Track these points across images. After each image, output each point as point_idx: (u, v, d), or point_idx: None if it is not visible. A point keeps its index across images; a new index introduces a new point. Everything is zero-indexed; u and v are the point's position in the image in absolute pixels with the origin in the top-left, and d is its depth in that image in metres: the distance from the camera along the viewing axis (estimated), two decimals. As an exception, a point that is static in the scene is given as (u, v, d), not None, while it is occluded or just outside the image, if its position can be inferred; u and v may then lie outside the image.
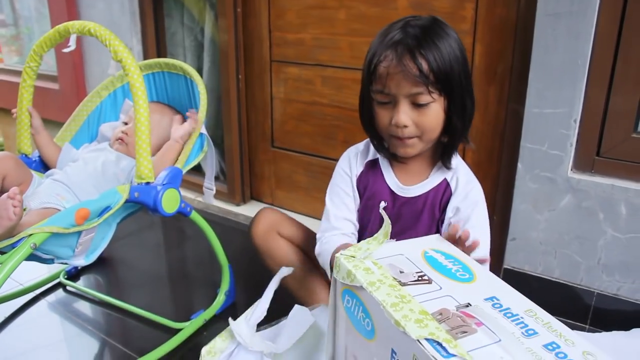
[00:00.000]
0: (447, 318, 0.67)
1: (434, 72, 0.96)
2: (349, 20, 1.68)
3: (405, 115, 0.99)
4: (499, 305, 0.70)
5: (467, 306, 0.69)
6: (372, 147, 1.15)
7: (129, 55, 1.22)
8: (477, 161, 1.58)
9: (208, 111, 2.10)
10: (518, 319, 0.67)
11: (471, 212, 1.10)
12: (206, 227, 1.43)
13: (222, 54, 1.91)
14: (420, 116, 1.00)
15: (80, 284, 1.61)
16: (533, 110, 1.39)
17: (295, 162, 1.97)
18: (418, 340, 0.62)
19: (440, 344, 0.61)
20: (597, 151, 1.39)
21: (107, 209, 1.19)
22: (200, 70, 2.10)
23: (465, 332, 0.64)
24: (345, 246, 1.03)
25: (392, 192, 1.13)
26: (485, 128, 1.54)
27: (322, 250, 1.13)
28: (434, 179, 1.12)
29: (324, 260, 1.12)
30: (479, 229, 1.08)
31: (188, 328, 1.39)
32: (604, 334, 1.37)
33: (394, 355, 0.68)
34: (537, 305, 0.71)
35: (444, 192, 1.12)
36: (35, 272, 1.61)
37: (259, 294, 1.56)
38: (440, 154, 1.11)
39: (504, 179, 1.51)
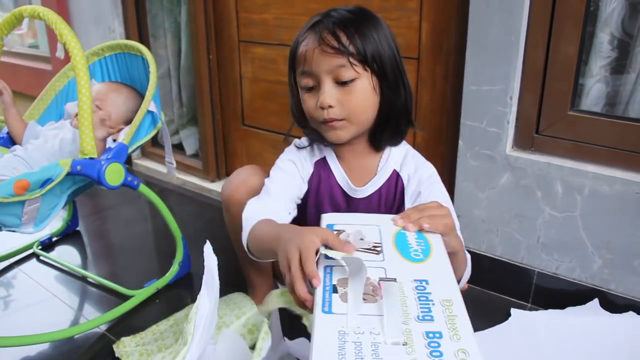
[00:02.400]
0: (369, 293, 0.70)
1: (354, 44, 0.93)
2: (307, 0, 1.71)
3: (329, 94, 0.95)
4: (421, 288, 0.72)
5: (391, 280, 0.72)
6: (316, 145, 1.11)
7: (72, 38, 1.29)
8: (427, 139, 1.59)
9: (189, 91, 2.19)
10: (427, 304, 0.69)
11: (430, 191, 1.05)
12: (157, 200, 1.49)
13: (193, 35, 1.97)
14: (346, 94, 0.95)
15: (52, 255, 1.72)
16: (471, 87, 1.39)
17: (264, 140, 2.02)
18: (318, 292, 0.69)
19: (329, 300, 0.68)
20: (535, 129, 1.39)
21: (48, 180, 1.27)
22: (179, 52, 2.17)
23: (365, 299, 0.68)
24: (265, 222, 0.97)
25: (344, 193, 1.10)
26: (433, 106, 1.55)
27: (248, 219, 1.01)
28: (384, 173, 1.08)
29: (245, 227, 1.01)
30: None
31: (139, 295, 1.47)
32: (540, 312, 1.38)
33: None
34: (461, 300, 0.70)
35: (396, 185, 1.08)
36: (11, 243, 1.73)
37: (219, 267, 1.64)
38: (374, 139, 1.06)
39: (448, 157, 1.52)
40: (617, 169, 1.29)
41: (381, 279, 0.72)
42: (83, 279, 1.59)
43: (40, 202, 1.30)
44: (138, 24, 2.21)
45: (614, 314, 1.28)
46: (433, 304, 0.68)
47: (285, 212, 1.05)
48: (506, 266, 1.47)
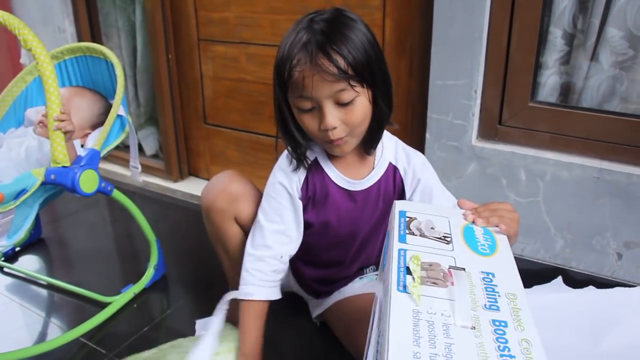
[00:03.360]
0: (432, 269, 0.75)
1: (351, 65, 0.91)
2: (269, -3, 1.73)
3: (332, 117, 0.94)
4: (488, 280, 0.75)
5: (460, 269, 0.76)
6: (301, 152, 1.08)
7: (38, 44, 1.25)
8: (393, 133, 1.64)
9: (146, 91, 2.16)
10: (494, 295, 0.72)
11: (429, 177, 1.11)
12: (130, 205, 1.48)
13: (152, 34, 1.95)
14: (348, 114, 0.95)
15: (17, 265, 1.67)
16: (437, 82, 1.46)
17: (227, 138, 2.02)
18: (392, 271, 0.73)
19: (404, 282, 0.72)
20: (498, 120, 1.47)
21: (22, 191, 1.24)
22: (134, 50, 2.14)
23: (436, 284, 0.72)
24: (259, 307, 1.10)
25: (343, 190, 1.10)
26: (398, 101, 1.60)
27: (245, 284, 1.10)
28: (381, 166, 1.10)
29: (241, 291, 1.10)
30: (443, 192, 1.13)
31: (118, 301, 1.46)
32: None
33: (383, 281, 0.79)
34: (525, 295, 0.74)
35: (394, 178, 1.11)
36: (-29, 255, 1.67)
37: (190, 267, 1.65)
38: (365, 143, 1.06)
39: (416, 149, 1.58)
40: (575, 155, 1.39)
41: (451, 267, 0.76)
42: (54, 288, 1.55)
43: (14, 214, 1.27)
44: (90, 23, 2.15)
45: (576, 289, 1.38)
46: (499, 296, 0.72)
47: (282, 250, 1.12)
48: (474, 250, 1.55)
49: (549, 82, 1.43)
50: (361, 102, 0.95)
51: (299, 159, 1.06)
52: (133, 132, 1.49)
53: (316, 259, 1.22)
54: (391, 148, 1.12)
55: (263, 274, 1.10)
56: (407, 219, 0.86)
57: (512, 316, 0.70)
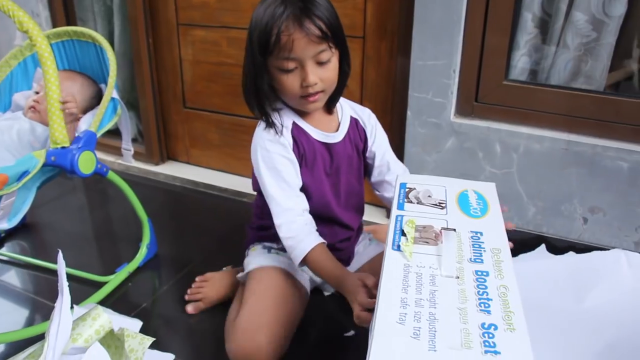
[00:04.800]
0: (425, 231, 0.85)
1: (329, 28, 1.05)
2: (250, -18, 1.77)
3: (313, 74, 1.08)
4: (476, 238, 0.85)
5: (451, 230, 0.86)
6: (279, 120, 1.17)
7: (34, 26, 1.26)
8: (374, 110, 1.72)
9: (123, 75, 2.16)
10: (480, 250, 0.82)
11: (382, 136, 1.29)
12: (124, 186, 1.51)
13: (132, 18, 1.95)
14: (325, 72, 1.09)
15: (5, 250, 1.67)
16: (417, 62, 1.55)
17: (207, 121, 2.06)
18: (388, 235, 0.83)
19: (398, 242, 0.81)
20: (475, 97, 1.57)
21: (25, 173, 1.26)
22: (111, 35, 2.13)
23: (427, 242, 0.82)
24: (317, 251, 1.11)
25: (324, 144, 1.21)
26: (379, 80, 1.69)
27: (292, 248, 1.14)
28: (345, 119, 1.25)
29: (295, 257, 1.14)
30: (388, 149, 1.30)
31: (113, 281, 1.49)
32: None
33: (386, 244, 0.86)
34: (509, 250, 0.82)
35: (357, 128, 1.26)
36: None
37: (179, 245, 1.69)
38: (328, 101, 1.20)
39: (397, 126, 1.68)
40: (545, 129, 1.51)
41: (443, 228, 0.86)
42: (47, 271, 1.57)
43: (15, 196, 1.28)
44: (64, 7, 2.13)
45: (558, 255, 1.48)
46: (484, 250, 0.82)
47: (302, 206, 1.17)
48: (452, 221, 1.66)
49: (521, 62, 1.55)
50: (334, 62, 1.11)
51: (274, 123, 1.16)
52: (126, 115, 1.51)
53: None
54: (346, 105, 1.27)
55: (300, 230, 1.14)
56: (407, 189, 0.96)
57: (494, 267, 0.79)
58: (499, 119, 1.55)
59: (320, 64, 1.08)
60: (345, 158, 1.24)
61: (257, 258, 1.29)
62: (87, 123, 1.43)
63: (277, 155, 1.16)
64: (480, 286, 0.75)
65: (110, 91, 1.45)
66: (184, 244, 1.72)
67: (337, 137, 1.22)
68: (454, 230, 0.86)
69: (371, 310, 0.93)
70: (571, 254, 1.47)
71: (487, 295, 0.74)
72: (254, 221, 1.36)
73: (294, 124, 1.19)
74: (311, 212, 1.19)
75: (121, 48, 2.11)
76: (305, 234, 1.14)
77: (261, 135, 1.18)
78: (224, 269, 1.49)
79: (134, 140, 2.24)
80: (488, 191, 1.01)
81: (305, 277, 1.29)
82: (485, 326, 0.68)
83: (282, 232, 1.15)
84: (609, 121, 1.46)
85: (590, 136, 1.48)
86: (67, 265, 1.52)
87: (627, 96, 1.46)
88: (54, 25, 2.14)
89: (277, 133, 1.16)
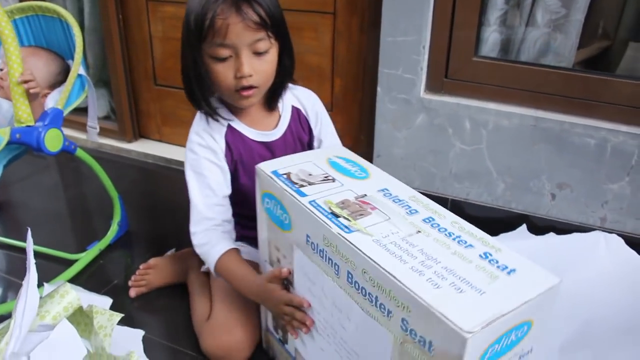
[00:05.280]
0: (348, 206, 0.83)
1: (269, 16, 0.99)
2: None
3: (248, 65, 1.00)
4: (388, 194, 0.87)
5: (364, 196, 0.86)
6: (211, 120, 1.12)
7: (-6, 1, 1.24)
8: (345, 87, 1.73)
9: (94, 52, 2.13)
10: (403, 203, 0.84)
11: (327, 123, 1.22)
12: (93, 163, 1.50)
13: (101, -6, 1.93)
14: (261, 64, 1.02)
15: (-25, 229, 1.66)
16: (387, 38, 1.54)
17: (178, 99, 2.04)
18: (325, 223, 0.79)
19: (343, 224, 0.78)
20: (445, 73, 1.57)
21: (-12, 151, 1.25)
22: (81, 11, 2.10)
23: (362, 214, 0.81)
24: (230, 255, 1.07)
25: (263, 143, 1.15)
26: (350, 56, 1.68)
27: (205, 254, 1.11)
28: (287, 111, 1.17)
29: (208, 264, 1.11)
30: (333, 134, 1.23)
31: (84, 258, 1.49)
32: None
33: (308, 239, 0.85)
34: (418, 193, 0.88)
35: (299, 119, 1.19)
36: None
37: (151, 222, 1.69)
38: (268, 99, 1.14)
39: (367, 102, 1.68)
40: (514, 105, 1.52)
41: (357, 197, 0.86)
42: (16, 249, 1.56)
43: (-21, 175, 1.27)
44: (32, -17, 2.09)
45: (538, 236, 1.49)
46: (406, 201, 0.85)
47: (222, 216, 1.12)
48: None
49: (491, 38, 1.55)
50: (273, 54, 1.04)
51: (212, 112, 1.10)
52: (92, 92, 1.50)
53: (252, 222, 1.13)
54: (288, 94, 1.18)
55: (214, 236, 1.10)
56: (284, 175, 0.91)
57: (429, 210, 0.83)
58: (469, 95, 1.56)
59: (257, 54, 1.01)
60: (288, 153, 1.14)
61: None
62: (54, 100, 1.42)
63: (205, 160, 1.11)
64: (441, 229, 0.78)
65: (77, 68, 1.43)
66: (156, 221, 1.72)
67: (276, 134, 1.16)
68: (366, 195, 0.87)
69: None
70: (551, 234, 1.49)
71: (454, 234, 0.77)
72: None
73: (229, 127, 1.12)
74: (251, 223, 1.09)
75: (92, 24, 2.08)
76: (218, 239, 1.09)
77: (192, 139, 1.13)
78: (168, 253, 1.48)
79: (106, 118, 2.23)
80: (345, 153, 1.02)
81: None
82: (483, 256, 0.73)
83: (196, 239, 1.10)
84: (577, 98, 1.47)
85: (559, 113, 1.48)
86: (39, 244, 1.54)
87: (595, 73, 1.47)
88: (21, 1, 2.10)
89: (211, 136, 1.11)
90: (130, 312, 1.27)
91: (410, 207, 0.83)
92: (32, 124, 1.28)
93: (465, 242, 0.76)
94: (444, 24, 1.51)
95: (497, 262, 0.72)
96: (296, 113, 1.19)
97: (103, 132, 2.15)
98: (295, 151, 1.17)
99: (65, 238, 1.64)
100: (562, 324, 1.23)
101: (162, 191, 1.93)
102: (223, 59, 1.01)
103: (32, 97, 1.31)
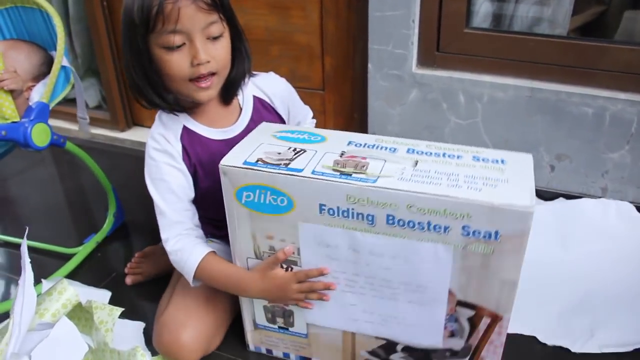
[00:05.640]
0: (345, 164, 0.85)
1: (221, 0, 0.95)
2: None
3: (204, 50, 0.95)
4: (359, 144, 0.90)
5: (344, 153, 0.88)
6: (168, 122, 1.06)
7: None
8: (335, 65, 1.69)
9: (81, 41, 2.10)
10: (377, 146, 0.89)
11: (298, 105, 1.18)
12: (84, 155, 1.49)
13: (83, -19, 1.89)
14: (217, 49, 0.97)
15: (-29, 226, 1.66)
16: (376, 13, 1.50)
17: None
18: (344, 183, 0.81)
19: (360, 178, 0.81)
20: (437, 47, 1.54)
21: (-25, 149, 1.24)
22: (65, 0, 2.06)
23: (364, 166, 0.84)
24: (211, 258, 1.02)
25: (220, 141, 1.09)
26: (339, 34, 1.64)
27: (182, 262, 1.03)
28: (248, 104, 1.11)
29: (185, 272, 1.04)
30: (302, 106, 1.21)
31: (81, 252, 1.48)
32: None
33: (322, 207, 0.85)
34: (379, 136, 0.93)
35: (263, 107, 1.13)
36: None
37: (148, 212, 1.67)
38: (226, 91, 1.07)
39: (359, 80, 1.65)
40: (509, 77, 1.49)
41: (342, 156, 0.87)
42: (13, 246, 1.55)
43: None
44: (13, -27, 2.05)
45: (547, 201, 1.49)
46: (379, 144, 0.90)
47: (192, 220, 1.07)
48: (420, 174, 1.65)
49: (482, 9, 1.51)
50: (226, 39, 0.98)
51: (167, 105, 1.03)
52: (79, 83, 1.47)
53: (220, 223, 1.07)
54: (249, 84, 1.12)
55: (188, 242, 1.04)
56: (259, 162, 0.88)
57: (401, 144, 0.90)
58: (462, 68, 1.52)
59: (211, 39, 0.96)
60: None
61: None
62: (39, 93, 1.39)
63: (164, 164, 1.05)
64: (428, 154, 0.87)
65: (60, 59, 1.40)
66: (153, 210, 1.70)
67: (237, 129, 1.10)
68: (344, 152, 0.88)
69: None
70: (561, 199, 1.49)
71: (439, 153, 0.88)
72: None
73: (184, 128, 1.06)
74: (218, 223, 1.08)
75: (77, 13, 2.04)
76: (193, 245, 1.03)
77: (148, 144, 1.07)
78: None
79: (98, 107, 2.21)
80: (280, 127, 1.02)
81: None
82: (477, 159, 0.86)
83: (169, 246, 1.04)
84: (573, 66, 1.43)
85: (555, 82, 1.45)
86: (35, 239, 1.54)
87: (591, 40, 1.43)
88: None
89: (166, 139, 1.04)
90: (130, 303, 1.25)
91: (386, 147, 0.89)
92: (17, 119, 1.27)
93: (453, 155, 0.87)
94: (433, -4, 1.47)
95: (488, 159, 0.86)
96: (259, 103, 1.13)
97: (95, 122, 2.14)
98: None
99: (62, 232, 1.63)
100: (563, 292, 1.24)
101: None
102: (176, 47, 0.94)
103: (15, 93, 1.29)
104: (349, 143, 0.91)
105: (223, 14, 0.96)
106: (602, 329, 1.13)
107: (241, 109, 1.11)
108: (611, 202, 1.43)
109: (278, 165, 0.86)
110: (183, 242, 1.03)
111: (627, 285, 1.25)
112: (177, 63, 0.95)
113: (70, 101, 1.46)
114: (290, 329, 1.05)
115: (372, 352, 1.01)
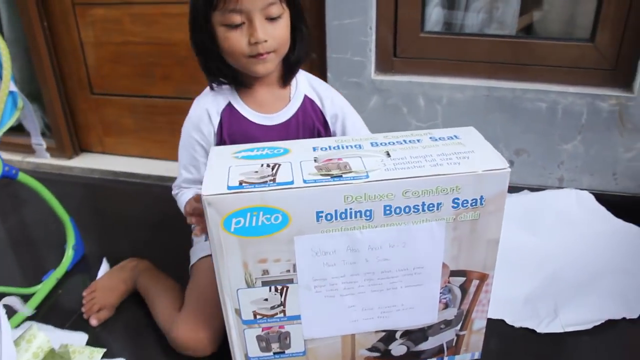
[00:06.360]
0: (328, 167, 0.85)
1: None
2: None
3: (262, 30, 1.00)
4: (324, 148, 0.91)
5: (317, 159, 0.87)
6: (217, 94, 1.13)
7: None
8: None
9: (19, 64, 2.00)
10: (342, 146, 0.90)
11: (346, 112, 1.17)
12: (38, 186, 1.40)
13: (21, 2, 1.80)
14: (276, 29, 1.02)
15: None
16: (333, 22, 1.52)
17: (119, 106, 1.95)
18: (339, 185, 0.82)
19: (352, 177, 0.82)
20: (394, 52, 1.56)
21: None
22: (-1, 22, 1.97)
23: (345, 165, 0.84)
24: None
25: (259, 125, 1.13)
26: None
27: (182, 194, 1.17)
28: (297, 99, 1.14)
29: (182, 200, 1.16)
30: (361, 125, 1.21)
31: (41, 290, 1.38)
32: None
33: (320, 214, 0.84)
34: (337, 137, 0.97)
35: (312, 108, 1.15)
36: None
37: (108, 241, 1.60)
38: (286, 70, 1.13)
39: (319, 90, 1.65)
40: (466, 77, 1.53)
41: (318, 161, 0.87)
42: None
43: None
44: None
45: (512, 194, 1.52)
46: (343, 144, 0.92)
47: None
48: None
49: (435, 13, 1.55)
50: (285, 20, 1.04)
51: (224, 78, 1.11)
52: (29, 108, 1.40)
53: None
54: (304, 82, 1.17)
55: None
56: (242, 184, 0.85)
57: (361, 140, 0.92)
58: (420, 72, 1.56)
59: (269, 20, 1.01)
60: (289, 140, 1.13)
61: (195, 249, 1.25)
62: (-14, 123, 1.31)
63: (192, 140, 1.13)
64: (390, 143, 0.90)
65: (7, 84, 1.33)
66: (114, 238, 1.63)
67: (280, 118, 1.13)
68: (316, 157, 0.89)
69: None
70: (526, 192, 1.55)
71: (399, 141, 0.91)
72: None
73: (229, 104, 1.12)
74: None
75: (12, 35, 1.95)
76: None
77: (191, 109, 1.14)
78: (100, 272, 1.43)
79: (42, 135, 2.09)
80: (236, 147, 0.99)
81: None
82: (435, 139, 0.91)
83: (175, 188, 1.19)
84: (525, 64, 1.50)
85: (509, 80, 1.51)
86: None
87: (538, 38, 1.50)
88: None
89: (207, 112, 1.11)
90: (106, 341, 1.19)
91: (350, 145, 0.91)
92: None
93: (413, 140, 0.92)
94: (388, 3, 1.50)
95: (444, 137, 0.92)
96: (309, 103, 1.15)
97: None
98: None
99: (16, 271, 1.53)
100: (529, 277, 1.31)
101: (114, 206, 1.83)
102: (236, 26, 1.00)
103: None
104: (315, 149, 0.91)
105: None
106: (564, 309, 1.20)
107: (290, 100, 1.14)
108: (572, 192, 1.50)
109: (264, 183, 0.83)
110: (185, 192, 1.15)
111: (587, 268, 1.32)
112: (237, 40, 1.01)
113: (10, 130, 1.38)
114: (286, 351, 1.01)
115: (371, 348, 1.01)
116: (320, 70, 1.62)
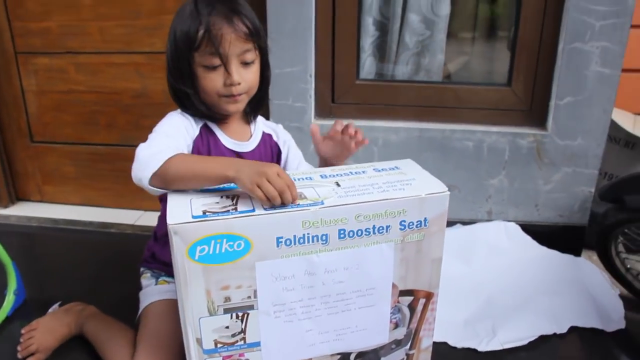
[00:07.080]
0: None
1: (255, 30, 1.08)
2: (96, 4, 1.72)
3: (237, 73, 1.08)
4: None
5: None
6: (191, 117, 1.15)
7: None
8: (238, 122, 1.76)
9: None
10: (295, 179, 0.94)
11: (295, 149, 1.31)
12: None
13: (-41, 51, 1.80)
14: (248, 74, 1.10)
15: None
16: (275, 70, 1.60)
17: (60, 154, 1.95)
18: (297, 211, 0.87)
19: (309, 204, 0.88)
20: (332, 98, 1.68)
21: None
22: None
23: (301, 194, 0.91)
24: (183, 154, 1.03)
25: (231, 151, 1.19)
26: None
27: (150, 157, 0.98)
28: (257, 134, 1.23)
29: (151, 166, 0.97)
30: (300, 156, 1.32)
31: (-19, 338, 1.35)
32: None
33: (279, 240, 0.88)
34: (288, 170, 1.06)
35: (270, 143, 1.26)
36: None
37: (50, 287, 1.57)
38: (251, 109, 1.20)
39: (263, 134, 1.72)
40: (399, 120, 1.66)
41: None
42: None
43: None
44: None
45: (448, 227, 1.62)
46: (294, 177, 0.97)
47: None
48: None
49: (368, 62, 1.68)
50: (257, 65, 1.13)
51: (197, 111, 1.14)
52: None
53: None
54: (260, 121, 1.27)
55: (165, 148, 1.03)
56: (206, 213, 0.88)
57: (309, 173, 1.00)
58: (357, 116, 1.67)
59: (244, 64, 1.09)
60: None
61: (146, 293, 1.25)
62: None
63: (180, 124, 1.12)
64: (337, 175, 0.99)
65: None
66: (56, 284, 1.60)
67: (248, 147, 1.21)
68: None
69: None
70: (458, 225, 1.66)
71: (344, 173, 1.00)
72: (156, 231, 1.30)
73: (205, 125, 1.16)
74: None
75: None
76: (169, 150, 1.00)
77: (172, 113, 1.16)
78: (51, 309, 1.42)
79: (-25, 185, 2.05)
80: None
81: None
82: (378, 170, 1.01)
83: (141, 149, 1.00)
84: (452, 107, 1.64)
85: (439, 122, 1.64)
86: None
87: (462, 83, 1.65)
88: None
89: (190, 121, 1.14)
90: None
91: (301, 177, 0.98)
92: None
93: (359, 171, 1.01)
94: (326, 53, 1.62)
95: (386, 169, 1.02)
96: (267, 137, 1.26)
97: (-27, 200, 1.98)
98: None
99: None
100: (467, 302, 1.41)
101: (54, 253, 1.80)
102: (214, 67, 1.07)
103: None
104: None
105: (257, 44, 1.10)
106: (502, 329, 1.32)
107: (251, 135, 1.22)
108: (501, 224, 1.63)
109: (227, 211, 0.88)
110: (159, 147, 1.01)
111: (519, 291, 1.45)
112: (213, 80, 1.09)
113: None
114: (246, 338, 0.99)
115: (326, 372, 1.03)
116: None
